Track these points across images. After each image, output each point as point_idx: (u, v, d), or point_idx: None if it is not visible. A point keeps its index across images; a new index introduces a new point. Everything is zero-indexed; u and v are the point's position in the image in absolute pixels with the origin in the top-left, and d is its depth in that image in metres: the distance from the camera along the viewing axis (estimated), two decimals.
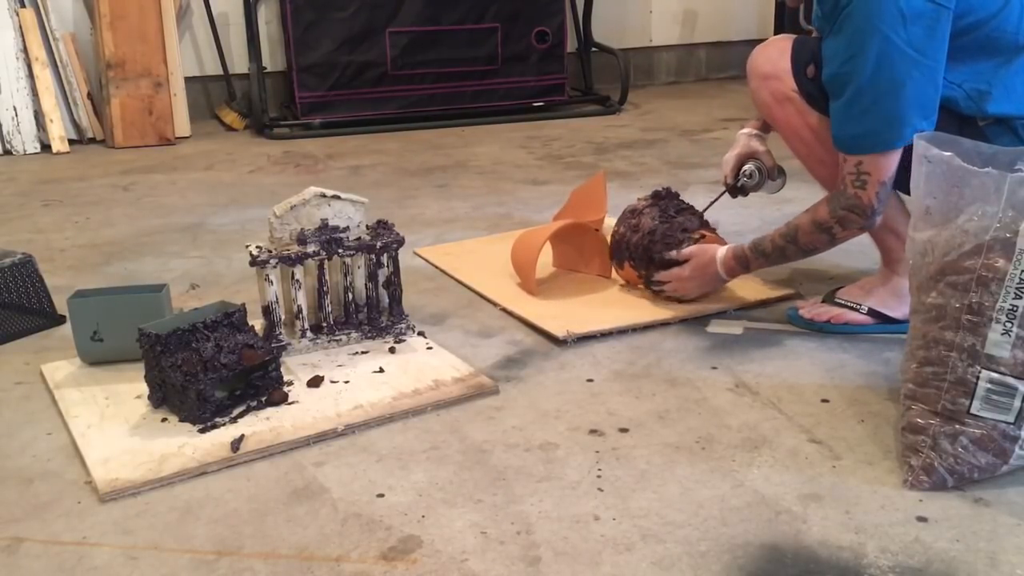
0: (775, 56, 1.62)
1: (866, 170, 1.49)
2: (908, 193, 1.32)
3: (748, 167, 1.84)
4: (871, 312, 1.70)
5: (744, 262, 1.72)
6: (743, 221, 2.34)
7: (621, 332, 1.74)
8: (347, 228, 1.69)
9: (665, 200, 1.89)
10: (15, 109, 3.58)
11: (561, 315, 1.80)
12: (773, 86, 1.62)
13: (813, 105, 1.59)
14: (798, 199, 2.15)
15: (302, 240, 1.66)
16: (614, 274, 1.98)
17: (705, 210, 1.95)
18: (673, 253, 1.80)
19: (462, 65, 3.98)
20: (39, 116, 3.63)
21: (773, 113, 1.66)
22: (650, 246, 1.83)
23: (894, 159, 1.47)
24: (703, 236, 1.81)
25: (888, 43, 1.40)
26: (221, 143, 3.72)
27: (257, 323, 1.66)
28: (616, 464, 1.31)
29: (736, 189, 1.88)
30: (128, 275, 2.17)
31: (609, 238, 1.95)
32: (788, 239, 1.64)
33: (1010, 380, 1.17)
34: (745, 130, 1.86)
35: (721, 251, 1.75)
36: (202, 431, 1.41)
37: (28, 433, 1.45)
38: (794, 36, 1.65)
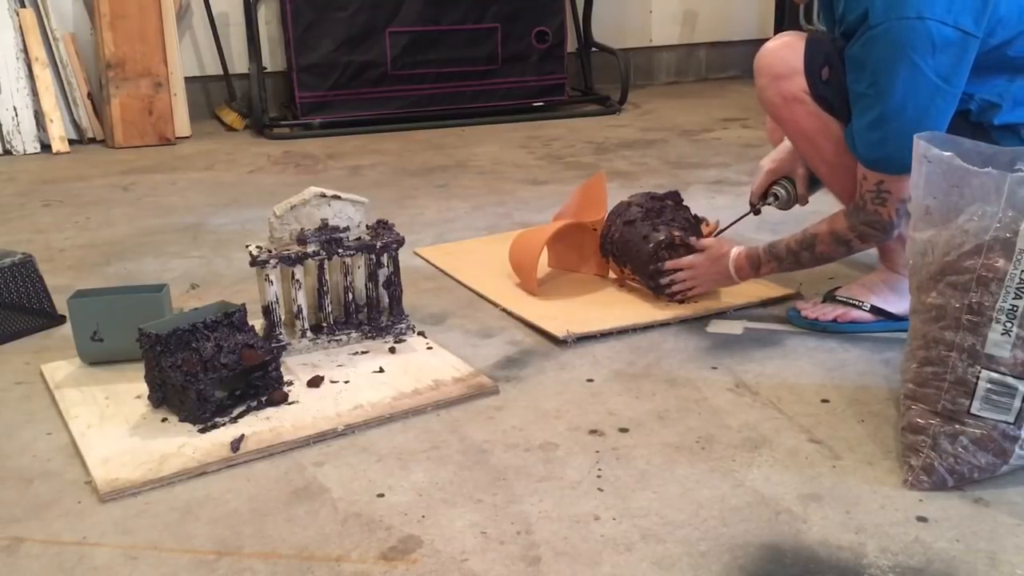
0: (788, 56, 1.59)
1: (887, 189, 1.50)
2: None
3: (777, 190, 1.83)
4: (873, 309, 1.70)
5: (756, 263, 1.72)
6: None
7: (621, 332, 1.74)
8: (347, 228, 1.69)
9: (657, 200, 1.89)
10: (15, 109, 3.57)
11: (561, 315, 1.80)
12: (783, 86, 1.60)
13: (825, 107, 1.57)
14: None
15: (302, 240, 1.66)
16: (611, 274, 1.98)
17: (726, 228, 1.97)
18: (692, 240, 1.81)
19: (462, 65, 3.98)
20: (39, 116, 3.63)
21: (780, 113, 1.64)
22: (627, 241, 1.83)
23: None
24: (677, 237, 1.81)
25: (916, 71, 1.39)
26: (221, 143, 3.72)
27: (257, 323, 1.66)
28: (616, 464, 1.31)
29: (759, 210, 1.88)
30: (128, 275, 2.17)
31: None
32: (804, 246, 1.65)
33: (1010, 380, 1.17)
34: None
35: (735, 249, 1.76)
36: (202, 431, 1.41)
37: (28, 433, 1.45)
38: (805, 35, 1.61)
